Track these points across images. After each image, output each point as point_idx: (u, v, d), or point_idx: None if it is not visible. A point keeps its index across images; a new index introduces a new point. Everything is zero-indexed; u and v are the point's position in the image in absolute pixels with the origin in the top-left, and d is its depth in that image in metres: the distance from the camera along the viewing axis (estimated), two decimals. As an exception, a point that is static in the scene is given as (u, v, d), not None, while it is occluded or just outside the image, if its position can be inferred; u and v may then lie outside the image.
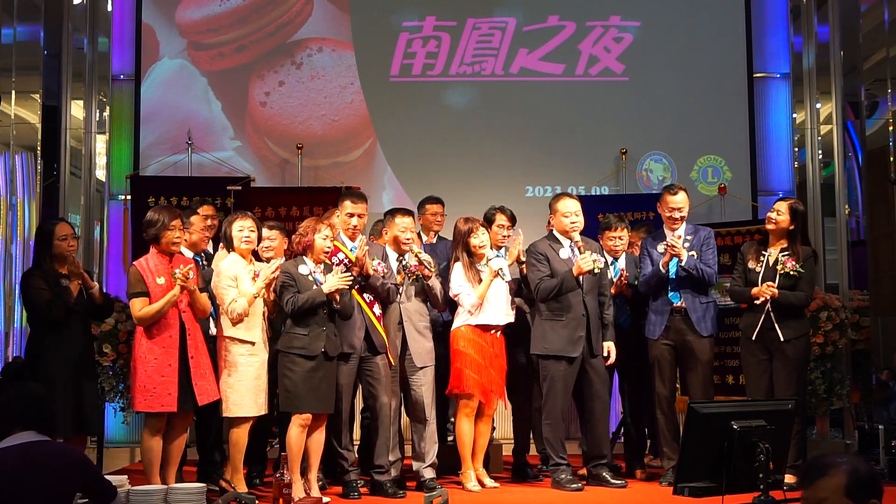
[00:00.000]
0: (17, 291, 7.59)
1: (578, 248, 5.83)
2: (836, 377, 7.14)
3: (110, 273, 8.16)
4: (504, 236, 6.20)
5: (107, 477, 3.78)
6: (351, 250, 5.75)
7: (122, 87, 8.56)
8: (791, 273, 5.71)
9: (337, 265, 5.62)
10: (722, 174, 8.49)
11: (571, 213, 5.92)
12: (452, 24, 8.62)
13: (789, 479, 5.01)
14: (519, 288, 6.10)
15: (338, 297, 5.38)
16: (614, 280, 6.14)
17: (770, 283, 5.70)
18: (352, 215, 5.76)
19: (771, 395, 5.71)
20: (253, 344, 5.34)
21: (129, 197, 8.03)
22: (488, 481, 5.89)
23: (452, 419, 6.37)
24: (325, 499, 5.37)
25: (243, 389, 5.28)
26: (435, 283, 5.89)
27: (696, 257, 5.96)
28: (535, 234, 6.41)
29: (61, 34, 8.25)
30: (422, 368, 5.84)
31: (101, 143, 8.47)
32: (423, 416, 5.82)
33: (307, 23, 8.62)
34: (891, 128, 7.32)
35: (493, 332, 5.86)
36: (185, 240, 5.63)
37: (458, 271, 5.88)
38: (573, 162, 8.52)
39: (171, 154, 8.31)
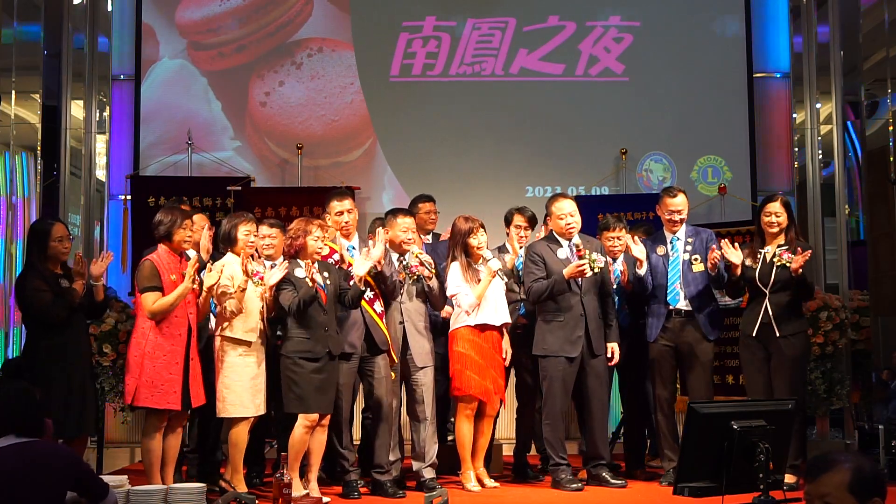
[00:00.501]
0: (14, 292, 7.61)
1: (579, 255, 5.82)
2: (836, 377, 7.14)
3: (110, 273, 8.15)
4: (521, 237, 6.20)
5: (102, 477, 3.78)
6: (348, 249, 5.75)
7: (122, 87, 8.57)
8: (787, 264, 5.71)
9: (335, 265, 5.63)
10: (722, 174, 8.49)
11: (566, 214, 5.91)
12: (452, 25, 8.63)
13: (789, 479, 5.03)
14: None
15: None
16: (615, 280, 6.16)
17: (799, 257, 5.67)
18: (341, 213, 5.77)
19: (770, 393, 5.71)
20: (249, 345, 5.34)
21: (129, 197, 8.04)
22: (488, 481, 5.89)
23: (452, 419, 6.37)
24: (326, 499, 5.37)
25: (240, 390, 5.28)
26: (435, 283, 5.89)
27: (699, 261, 5.97)
28: (535, 234, 6.41)
29: (61, 34, 8.25)
30: (422, 368, 5.84)
31: (101, 143, 8.47)
32: (423, 415, 5.82)
33: (307, 23, 8.63)
34: (891, 128, 7.32)
35: (491, 331, 5.86)
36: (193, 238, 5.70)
37: (455, 271, 5.87)
38: (573, 162, 8.52)
39: (171, 154, 8.31)
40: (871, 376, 7.23)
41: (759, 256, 5.84)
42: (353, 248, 5.80)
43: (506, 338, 5.97)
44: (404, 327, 5.83)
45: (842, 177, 8.21)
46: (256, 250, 5.66)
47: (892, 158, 7.24)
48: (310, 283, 5.36)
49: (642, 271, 5.93)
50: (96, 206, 8.38)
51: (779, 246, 5.81)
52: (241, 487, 5.28)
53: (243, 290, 5.27)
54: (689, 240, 6.05)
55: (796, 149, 8.54)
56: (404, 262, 5.84)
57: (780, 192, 8.10)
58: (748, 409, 3.85)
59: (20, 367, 5.37)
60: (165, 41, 8.55)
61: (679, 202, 6.05)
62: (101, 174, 8.46)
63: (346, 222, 5.78)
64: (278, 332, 5.55)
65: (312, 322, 5.36)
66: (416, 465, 5.83)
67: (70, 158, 8.25)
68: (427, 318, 5.96)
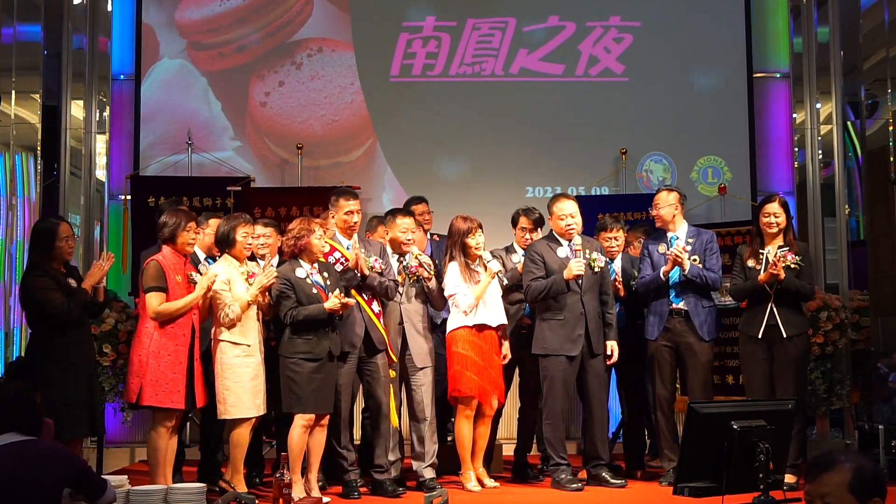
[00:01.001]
0: (15, 292, 7.60)
1: (575, 252, 5.83)
2: (836, 377, 7.14)
3: (110, 273, 8.13)
4: (527, 239, 6.21)
5: (107, 478, 3.79)
6: (347, 248, 5.76)
7: (122, 87, 8.56)
8: (791, 266, 5.72)
9: (334, 264, 5.63)
10: (722, 175, 8.49)
11: (567, 214, 5.92)
12: (452, 25, 8.62)
13: (789, 478, 5.03)
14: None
15: (339, 312, 5.39)
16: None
17: (773, 267, 5.68)
18: (350, 212, 5.77)
19: (771, 393, 5.72)
20: (248, 346, 5.33)
21: (129, 197, 8.04)
22: (488, 481, 5.89)
23: (452, 419, 6.37)
24: (325, 499, 5.37)
25: (240, 391, 5.27)
26: (434, 284, 5.89)
27: (698, 261, 5.97)
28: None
29: (61, 34, 8.24)
30: (422, 369, 5.84)
31: (101, 143, 8.47)
32: (423, 415, 5.82)
33: (307, 23, 8.62)
34: (891, 128, 7.32)
35: (488, 331, 5.85)
36: (201, 241, 5.70)
37: (453, 271, 5.87)
38: (573, 162, 8.51)
39: (171, 154, 8.30)
40: (871, 376, 7.22)
41: (760, 257, 5.84)
42: (350, 247, 5.79)
43: (506, 342, 5.97)
44: (404, 328, 5.83)
45: (842, 177, 8.21)
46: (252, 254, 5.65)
47: (892, 158, 7.24)
48: (314, 290, 5.36)
49: (665, 278, 5.92)
50: (96, 206, 8.38)
51: (779, 247, 5.81)
52: (241, 487, 5.28)
53: (250, 304, 5.28)
54: (690, 240, 6.05)
55: (796, 149, 8.54)
56: (404, 263, 5.85)
57: (780, 192, 8.13)
58: (748, 409, 3.85)
59: (22, 367, 5.37)
60: (165, 41, 8.55)
61: (659, 200, 6.09)
62: (101, 174, 8.45)
63: (354, 222, 5.79)
64: (271, 334, 5.56)
65: (313, 323, 5.36)
66: (416, 465, 5.83)
67: (70, 158, 8.25)
68: (427, 319, 5.97)
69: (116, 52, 8.58)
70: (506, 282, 5.95)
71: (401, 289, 5.84)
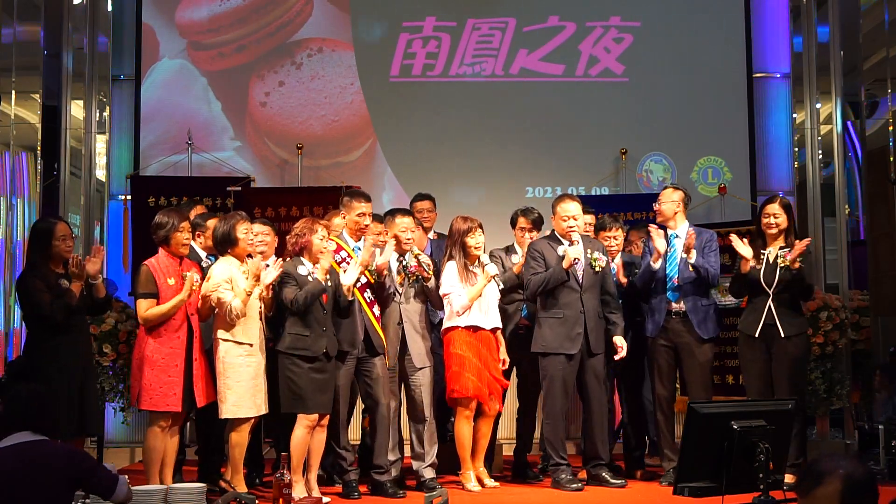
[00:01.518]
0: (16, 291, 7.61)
1: (569, 240, 5.84)
2: (836, 377, 7.14)
3: (110, 273, 8.15)
4: (526, 239, 6.21)
5: (116, 474, 3.77)
6: (354, 249, 5.76)
7: (122, 87, 8.56)
8: (791, 266, 5.72)
9: (340, 263, 5.63)
10: (722, 175, 8.49)
11: (569, 216, 5.92)
12: (452, 25, 8.62)
13: (789, 478, 5.02)
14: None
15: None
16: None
17: (794, 249, 5.68)
18: (363, 214, 5.77)
19: (770, 393, 5.72)
20: (251, 346, 5.33)
21: (129, 197, 8.04)
22: (489, 481, 5.89)
23: (452, 419, 6.38)
24: (326, 499, 5.37)
25: (241, 390, 5.27)
26: (434, 284, 5.89)
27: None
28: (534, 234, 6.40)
29: (61, 34, 8.24)
30: (421, 369, 5.84)
31: (101, 143, 8.47)
32: (423, 416, 5.82)
33: (307, 23, 8.62)
34: (891, 128, 7.32)
35: (483, 332, 5.85)
36: (201, 242, 5.70)
37: (451, 270, 5.87)
38: (573, 162, 8.51)
39: (171, 154, 8.31)
40: (871, 376, 7.22)
41: (761, 257, 5.84)
42: (359, 248, 5.80)
43: (502, 344, 5.97)
44: (403, 328, 5.83)
45: (842, 177, 8.21)
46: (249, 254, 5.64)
47: (892, 158, 7.23)
48: (320, 279, 5.37)
49: (657, 265, 5.92)
50: (96, 206, 8.38)
51: (780, 248, 5.82)
52: (241, 487, 5.28)
53: (249, 294, 5.27)
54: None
55: (796, 149, 8.54)
56: (403, 263, 5.85)
57: (780, 192, 8.13)
58: (748, 409, 3.85)
59: (25, 367, 5.37)
60: (165, 41, 8.55)
61: (663, 196, 6.11)
62: (101, 174, 8.45)
63: (365, 224, 5.79)
64: (269, 334, 5.56)
65: (311, 320, 5.37)
66: (416, 465, 5.83)
67: (70, 158, 8.25)
68: (426, 319, 5.97)
69: (116, 52, 8.58)
70: (502, 285, 5.94)
71: (400, 289, 5.84)
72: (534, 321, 6.06)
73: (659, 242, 5.90)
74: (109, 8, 8.59)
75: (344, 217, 5.83)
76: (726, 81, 8.57)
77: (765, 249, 5.86)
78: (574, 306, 5.85)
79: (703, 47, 8.63)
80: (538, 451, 6.51)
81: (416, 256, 5.86)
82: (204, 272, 5.47)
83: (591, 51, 8.63)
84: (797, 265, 5.67)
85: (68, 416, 5.16)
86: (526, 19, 8.63)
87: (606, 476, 5.85)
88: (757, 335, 5.79)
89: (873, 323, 7.20)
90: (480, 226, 5.94)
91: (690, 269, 5.90)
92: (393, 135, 8.55)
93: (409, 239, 5.87)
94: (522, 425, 6.36)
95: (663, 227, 6.18)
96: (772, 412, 3.76)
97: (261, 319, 5.42)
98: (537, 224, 6.27)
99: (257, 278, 5.29)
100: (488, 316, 5.88)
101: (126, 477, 3.79)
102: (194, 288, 5.24)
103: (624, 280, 6.23)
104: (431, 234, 6.75)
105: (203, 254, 5.83)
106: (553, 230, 6.06)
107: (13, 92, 7.89)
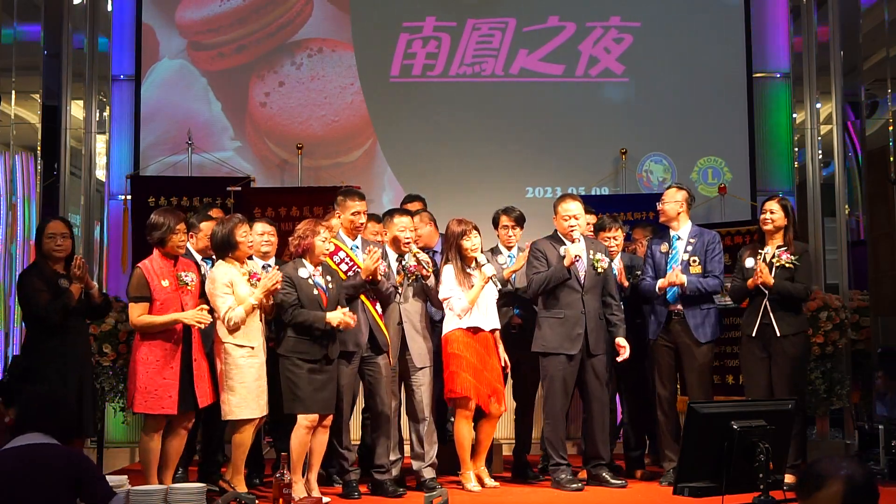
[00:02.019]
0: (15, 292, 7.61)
1: (570, 239, 5.84)
2: (836, 377, 7.14)
3: (110, 273, 8.16)
4: (510, 237, 6.21)
5: (107, 478, 3.77)
6: (351, 249, 5.76)
7: (122, 87, 8.56)
8: (787, 265, 5.73)
9: (339, 264, 5.64)
10: (722, 175, 8.49)
11: (570, 215, 5.92)
12: (452, 25, 8.62)
13: (789, 478, 5.02)
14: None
15: (338, 327, 5.38)
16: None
17: (758, 275, 5.71)
18: (358, 213, 5.77)
19: (770, 394, 5.72)
20: (252, 348, 5.32)
21: (129, 197, 8.04)
22: (489, 481, 5.89)
23: (452, 419, 6.38)
24: (326, 499, 5.37)
25: (244, 392, 5.26)
26: (433, 282, 5.89)
27: (697, 262, 5.97)
28: (534, 234, 6.40)
29: (61, 34, 8.24)
30: (421, 369, 5.84)
31: (101, 143, 8.47)
32: (423, 415, 5.82)
33: (307, 23, 8.62)
34: (891, 128, 7.32)
35: (483, 333, 5.85)
36: (193, 244, 5.68)
37: (448, 274, 5.87)
38: (573, 163, 8.51)
39: (171, 154, 8.30)
40: (871, 376, 7.22)
41: (759, 257, 5.85)
42: (357, 247, 5.80)
43: (500, 345, 5.97)
44: (403, 328, 5.83)
45: (842, 177, 8.21)
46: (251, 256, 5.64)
47: (892, 158, 7.23)
48: (315, 292, 5.36)
49: (661, 290, 5.96)
50: (96, 206, 8.38)
51: (778, 247, 5.83)
52: (242, 488, 5.27)
53: (254, 307, 5.26)
54: (692, 240, 6.06)
55: (796, 149, 8.54)
56: (403, 263, 5.85)
57: (780, 192, 8.14)
58: (748, 409, 3.85)
59: (28, 368, 5.36)
60: (165, 41, 8.55)
61: (666, 196, 6.11)
62: (101, 174, 8.45)
63: (360, 223, 5.79)
64: (270, 334, 5.55)
65: (311, 327, 5.36)
66: (416, 465, 5.83)
67: (70, 158, 8.25)
68: (426, 319, 5.97)
69: (116, 52, 8.58)
70: (499, 286, 5.94)
71: (399, 288, 5.84)
72: (526, 320, 6.08)
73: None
74: (109, 8, 8.59)
75: (339, 217, 5.82)
76: (726, 81, 8.57)
77: (762, 249, 5.86)
78: (575, 307, 5.86)
79: (703, 47, 8.63)
80: (537, 451, 6.51)
81: (415, 255, 5.86)
82: (202, 277, 5.45)
83: (592, 51, 8.63)
84: (770, 282, 5.67)
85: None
86: (526, 19, 8.63)
87: (606, 476, 5.86)
88: (754, 334, 5.80)
89: (873, 323, 7.20)
90: (476, 227, 5.94)
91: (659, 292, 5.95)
92: (393, 135, 8.55)
93: (407, 238, 5.87)
94: (521, 425, 6.36)
95: (665, 226, 6.19)
96: (772, 412, 3.76)
97: (262, 322, 5.41)
98: (520, 221, 6.27)
99: (268, 296, 5.28)
100: (487, 317, 5.88)
101: (122, 497, 3.79)
102: (199, 324, 5.17)
103: (626, 283, 6.23)
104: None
105: (198, 256, 5.80)
106: (556, 231, 6.06)
107: (13, 92, 7.89)
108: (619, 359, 5.91)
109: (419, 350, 5.85)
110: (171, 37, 8.55)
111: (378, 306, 5.73)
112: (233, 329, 5.24)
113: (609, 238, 6.27)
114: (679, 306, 5.97)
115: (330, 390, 5.40)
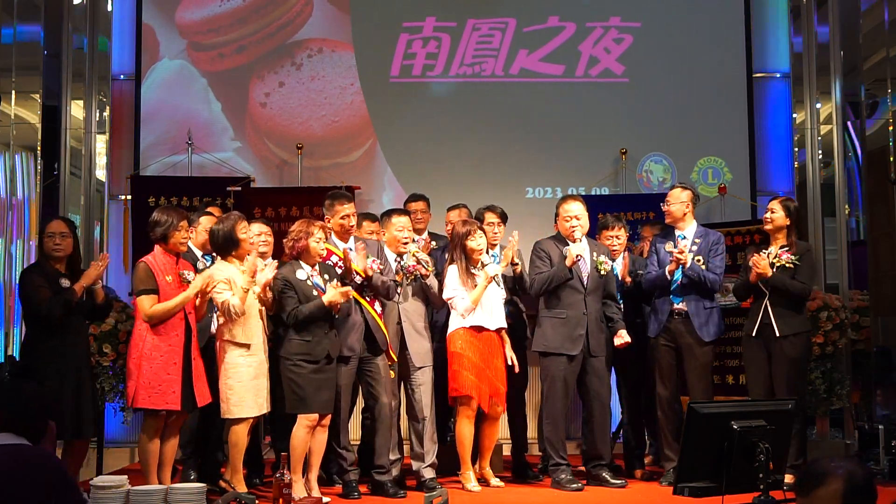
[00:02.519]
0: (18, 291, 7.61)
1: (572, 240, 5.84)
2: (836, 377, 7.13)
3: (110, 273, 8.15)
4: (496, 233, 6.22)
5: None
6: (343, 251, 5.76)
7: (122, 87, 8.56)
8: (787, 265, 5.73)
9: (334, 266, 5.63)
10: (722, 175, 8.49)
11: (572, 216, 5.93)
12: (452, 25, 8.62)
13: (789, 478, 5.03)
14: (512, 288, 6.14)
15: (338, 307, 5.38)
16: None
17: (756, 266, 5.69)
18: (347, 216, 5.76)
19: (771, 394, 5.72)
20: (251, 346, 5.32)
21: (129, 197, 8.04)
22: (494, 481, 5.89)
23: (453, 420, 6.38)
24: (326, 499, 5.38)
25: (242, 390, 5.27)
26: (433, 282, 5.89)
27: (701, 262, 5.97)
28: (534, 235, 6.41)
29: (61, 34, 8.24)
30: (420, 368, 5.85)
31: (101, 143, 8.47)
32: (422, 415, 5.82)
33: (307, 23, 8.62)
34: (891, 128, 7.32)
35: (487, 333, 5.85)
36: (193, 240, 5.69)
37: (452, 274, 5.88)
38: (573, 163, 8.51)
39: (171, 154, 8.30)
40: (871, 376, 7.22)
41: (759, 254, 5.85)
42: (351, 249, 5.79)
43: (507, 345, 5.96)
44: (402, 327, 5.83)
45: (842, 177, 8.21)
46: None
47: (892, 158, 7.23)
48: (315, 292, 5.36)
49: (673, 274, 5.92)
50: (96, 206, 8.37)
51: (780, 247, 5.83)
52: (241, 488, 5.28)
53: (246, 291, 5.25)
54: (697, 240, 6.06)
55: (796, 149, 8.53)
56: (402, 263, 5.85)
57: (781, 192, 8.14)
58: (748, 409, 3.86)
59: (27, 367, 5.36)
60: (165, 41, 8.54)
61: (671, 197, 6.10)
62: (101, 174, 8.45)
63: (351, 225, 5.79)
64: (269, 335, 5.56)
65: (312, 326, 5.36)
66: (416, 465, 5.83)
67: (70, 158, 8.24)
68: (426, 318, 5.97)
69: (116, 52, 8.58)
70: (501, 285, 5.94)
71: (398, 288, 5.84)
72: (515, 320, 6.10)
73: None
74: (109, 8, 8.59)
75: (328, 221, 5.81)
76: (726, 81, 8.57)
77: (765, 249, 5.87)
78: (577, 307, 5.87)
79: (703, 47, 8.63)
80: (534, 451, 6.50)
81: (414, 255, 5.86)
82: (198, 272, 5.45)
83: (592, 51, 8.63)
84: (768, 273, 5.67)
85: (62, 417, 5.15)
86: (526, 20, 8.63)
87: (606, 476, 5.86)
88: (754, 335, 5.80)
89: (873, 323, 7.20)
90: (481, 228, 5.95)
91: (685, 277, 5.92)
92: (393, 135, 8.55)
93: (405, 238, 5.87)
94: (514, 425, 6.36)
95: (671, 227, 6.19)
96: (772, 412, 3.76)
97: (262, 318, 5.41)
98: (504, 218, 6.27)
99: (253, 275, 5.27)
100: (492, 316, 5.88)
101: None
102: (205, 287, 5.19)
103: (628, 279, 6.22)
104: (425, 235, 6.75)
105: (199, 252, 5.81)
106: (558, 231, 6.07)
107: (13, 92, 7.88)
108: (617, 341, 5.88)
109: (419, 349, 5.85)
110: (171, 37, 8.55)
111: (377, 305, 5.72)
112: (234, 319, 5.22)
113: (612, 237, 6.27)
114: (682, 305, 5.97)
115: (330, 390, 5.41)
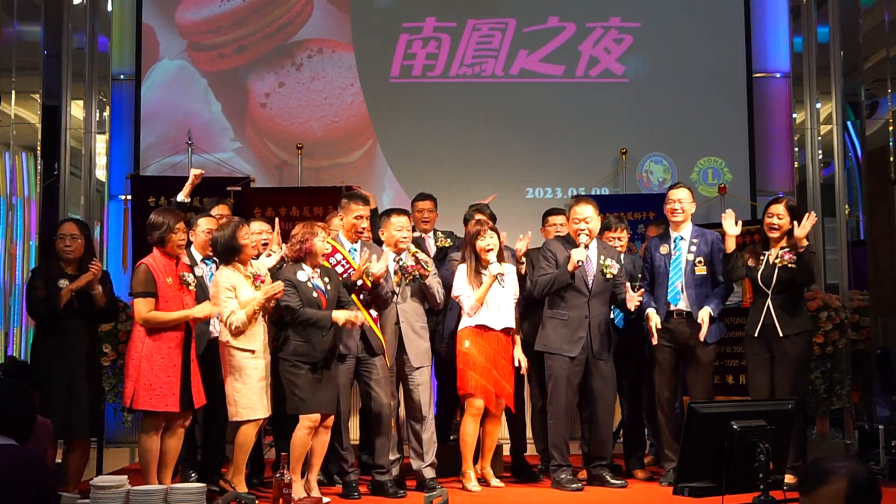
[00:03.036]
0: (17, 291, 7.62)
1: (577, 244, 5.83)
2: (836, 377, 7.14)
3: (110, 273, 8.14)
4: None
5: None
6: (350, 251, 5.75)
7: (122, 87, 8.57)
8: (789, 266, 5.73)
9: (335, 266, 5.63)
10: (722, 175, 8.49)
11: (580, 218, 5.89)
12: (452, 26, 8.62)
13: (789, 479, 5.03)
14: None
15: (349, 327, 5.41)
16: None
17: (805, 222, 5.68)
18: (360, 217, 5.76)
19: (772, 394, 5.72)
20: (255, 350, 5.30)
21: (129, 197, 8.04)
22: (495, 481, 5.89)
23: (455, 420, 6.38)
24: (326, 499, 5.37)
25: (250, 393, 5.25)
26: (432, 282, 5.88)
27: (702, 262, 5.95)
28: (534, 235, 6.40)
29: (61, 34, 8.25)
30: (418, 368, 5.84)
31: (101, 143, 8.47)
32: (421, 415, 5.82)
33: (307, 24, 8.63)
34: (891, 128, 7.31)
35: (493, 332, 5.85)
36: (194, 241, 5.67)
37: (461, 273, 5.90)
38: (573, 163, 8.51)
39: (171, 154, 8.30)
40: (871, 376, 7.22)
41: (761, 258, 5.84)
42: (355, 250, 5.79)
43: (517, 345, 5.96)
44: (400, 328, 5.83)
45: (842, 177, 8.21)
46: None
47: (892, 158, 7.23)
48: (315, 294, 5.36)
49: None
50: (96, 206, 8.38)
51: (781, 248, 5.82)
52: (242, 487, 5.27)
53: (257, 311, 5.24)
54: (695, 241, 6.04)
55: (796, 149, 8.54)
56: (401, 263, 5.84)
57: (780, 192, 8.14)
58: (748, 409, 3.85)
59: (24, 368, 5.38)
60: (165, 41, 8.55)
61: (675, 194, 6.06)
62: (101, 174, 8.46)
63: (363, 227, 5.79)
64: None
65: (311, 327, 5.36)
66: (416, 465, 5.83)
67: (70, 158, 8.25)
68: (424, 318, 5.96)
69: (116, 52, 8.59)
70: (503, 285, 5.93)
71: (397, 288, 5.84)
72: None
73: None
74: (109, 8, 8.60)
75: (342, 219, 5.82)
76: (726, 81, 8.57)
77: (767, 250, 5.86)
78: (580, 310, 5.85)
79: (703, 47, 8.63)
80: (533, 451, 6.50)
81: (413, 255, 5.86)
82: (197, 279, 5.45)
83: (592, 51, 8.64)
84: (804, 242, 5.65)
85: (55, 417, 5.15)
86: (526, 20, 8.63)
87: (606, 476, 5.86)
88: (756, 335, 5.80)
89: (873, 323, 7.20)
90: (493, 228, 5.95)
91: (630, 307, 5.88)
92: (393, 135, 8.55)
93: (404, 238, 5.87)
94: (513, 425, 6.35)
95: (667, 230, 6.17)
96: (772, 412, 3.76)
97: (265, 322, 5.40)
98: (492, 217, 6.27)
99: (269, 299, 5.27)
100: (499, 316, 5.87)
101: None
102: (211, 314, 5.20)
103: (633, 307, 6.04)
104: (431, 234, 6.75)
105: (199, 256, 5.77)
106: (568, 233, 6.07)
107: (13, 92, 7.88)
108: (630, 304, 5.78)
109: (417, 350, 5.85)
110: (171, 37, 8.56)
111: (371, 310, 5.71)
112: (235, 334, 5.23)
113: (613, 238, 6.26)
114: (682, 306, 5.96)
115: (331, 390, 5.40)
